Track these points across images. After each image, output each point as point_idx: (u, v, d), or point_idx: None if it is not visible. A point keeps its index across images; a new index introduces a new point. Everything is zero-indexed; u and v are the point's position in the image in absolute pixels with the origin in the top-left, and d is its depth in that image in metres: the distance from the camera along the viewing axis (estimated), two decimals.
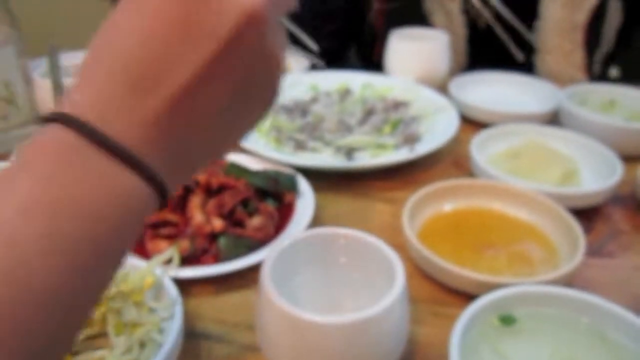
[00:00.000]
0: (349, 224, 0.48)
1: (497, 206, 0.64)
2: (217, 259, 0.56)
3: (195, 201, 0.59)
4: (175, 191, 0.29)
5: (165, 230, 0.57)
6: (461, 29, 1.14)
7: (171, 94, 0.26)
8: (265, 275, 0.40)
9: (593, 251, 0.60)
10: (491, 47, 1.13)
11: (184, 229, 0.57)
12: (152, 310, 0.46)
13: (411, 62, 0.98)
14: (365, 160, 0.75)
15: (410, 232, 0.56)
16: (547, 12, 1.07)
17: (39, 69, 0.84)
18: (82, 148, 0.24)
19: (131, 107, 0.25)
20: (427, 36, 1.02)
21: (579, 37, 1.07)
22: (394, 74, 1.00)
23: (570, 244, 0.56)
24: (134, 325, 0.44)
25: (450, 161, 0.80)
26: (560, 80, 1.05)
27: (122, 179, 0.25)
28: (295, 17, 1.18)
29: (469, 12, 1.10)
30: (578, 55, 1.08)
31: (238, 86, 0.28)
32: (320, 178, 0.72)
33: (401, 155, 0.75)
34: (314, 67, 1.09)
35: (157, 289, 0.48)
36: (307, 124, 0.83)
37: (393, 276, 0.41)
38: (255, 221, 0.59)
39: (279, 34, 0.30)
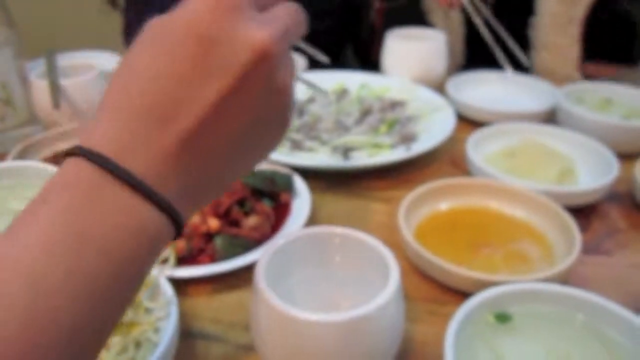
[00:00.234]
0: (345, 224, 0.48)
1: (494, 205, 0.64)
2: (213, 258, 0.56)
3: None
4: (189, 220, 0.30)
5: None
6: (459, 28, 1.14)
7: (186, 129, 0.27)
8: (260, 274, 0.40)
9: (590, 249, 0.60)
10: (488, 47, 1.13)
11: None
12: (148, 310, 0.46)
13: (408, 62, 0.98)
14: (362, 159, 0.75)
15: (406, 231, 0.56)
16: (544, 8, 1.07)
17: (36, 70, 0.84)
18: (103, 183, 0.25)
19: (149, 142, 0.26)
20: (424, 36, 1.03)
21: (575, 32, 1.07)
22: (391, 74, 1.00)
23: (567, 242, 0.56)
24: (130, 325, 0.44)
25: (447, 160, 0.80)
26: (556, 76, 1.05)
27: (142, 213, 0.26)
28: None
29: (465, 10, 1.10)
30: (575, 51, 1.08)
31: (250, 120, 0.29)
32: (317, 177, 0.72)
33: (398, 154, 0.75)
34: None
35: (153, 288, 0.48)
36: (304, 124, 0.83)
37: (388, 274, 0.41)
38: (252, 221, 0.59)
39: (289, 65, 0.31)
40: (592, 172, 0.71)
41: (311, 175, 0.71)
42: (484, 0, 1.09)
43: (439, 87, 0.96)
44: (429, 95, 0.91)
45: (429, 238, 0.58)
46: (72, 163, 0.26)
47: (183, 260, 0.55)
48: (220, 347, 0.48)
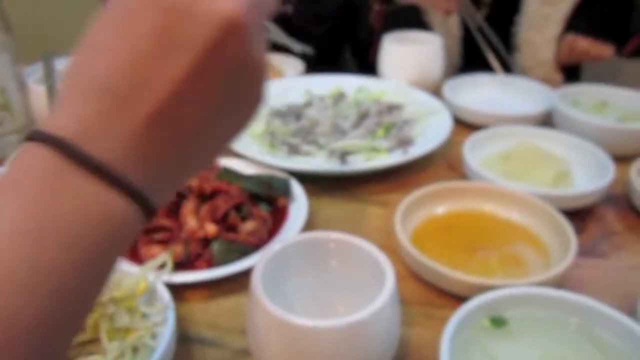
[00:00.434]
0: (342, 228, 0.48)
1: (490, 208, 0.64)
2: (211, 263, 0.56)
3: (188, 206, 0.59)
4: (164, 203, 0.29)
5: (158, 236, 0.58)
6: (456, 29, 1.14)
7: (153, 109, 0.25)
8: (256, 280, 0.41)
9: (586, 252, 0.61)
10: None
11: (177, 234, 0.57)
12: (145, 316, 0.46)
13: (405, 65, 0.99)
14: (359, 163, 0.75)
15: (402, 235, 0.56)
16: (527, 7, 1.08)
17: (34, 75, 0.84)
18: (63, 169, 0.24)
19: (113, 124, 0.25)
20: (420, 39, 1.03)
21: (552, 32, 1.08)
22: (387, 77, 1.01)
23: (562, 245, 0.56)
24: (127, 330, 0.44)
25: (443, 164, 0.80)
26: (535, 76, 1.06)
27: (106, 199, 0.25)
28: (288, 20, 1.19)
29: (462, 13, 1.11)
30: (550, 51, 1.09)
31: (221, 96, 0.28)
32: (314, 182, 0.72)
33: (395, 158, 0.75)
34: (305, 59, 1.09)
35: (150, 294, 0.49)
36: (301, 128, 0.83)
37: (383, 279, 0.41)
38: (249, 226, 0.59)
39: (261, 39, 0.29)
40: (588, 174, 0.71)
41: (308, 179, 0.71)
42: (479, 2, 1.10)
43: (436, 91, 0.96)
44: (425, 99, 0.92)
45: (425, 242, 0.59)
46: (30, 149, 0.25)
47: (180, 265, 0.55)
48: (217, 352, 0.49)
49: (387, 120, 0.85)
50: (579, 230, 0.62)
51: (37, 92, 0.78)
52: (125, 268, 0.50)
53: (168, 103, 0.26)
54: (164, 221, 0.59)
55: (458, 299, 0.51)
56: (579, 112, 0.84)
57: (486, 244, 0.59)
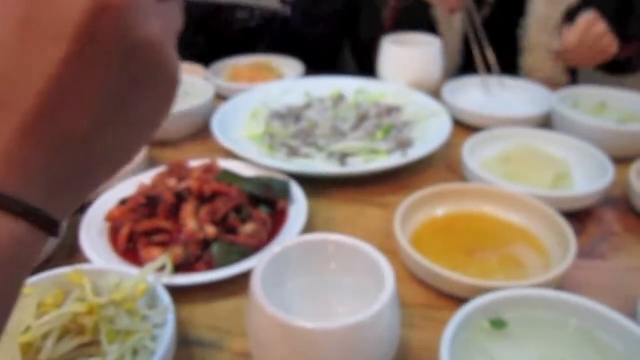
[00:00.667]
0: (342, 229, 0.49)
1: (489, 210, 0.64)
2: (210, 266, 0.56)
3: (188, 208, 0.59)
4: (69, 216, 0.26)
5: (158, 238, 0.58)
6: (458, 27, 1.15)
7: (29, 113, 0.22)
8: (256, 282, 0.41)
9: (585, 253, 0.61)
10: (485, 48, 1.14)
11: (177, 236, 0.57)
12: (145, 318, 0.46)
13: (404, 67, 0.99)
14: (359, 165, 0.76)
15: (402, 237, 0.56)
16: (533, 9, 1.08)
17: None
18: None
19: None
20: (420, 41, 1.03)
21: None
22: (387, 80, 1.01)
23: (562, 246, 0.56)
24: (127, 333, 0.44)
25: (443, 166, 0.80)
26: (543, 79, 1.06)
27: None
28: (287, 21, 1.19)
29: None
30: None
31: (112, 87, 0.24)
32: (314, 184, 0.72)
33: (394, 160, 0.75)
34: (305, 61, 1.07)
35: (150, 296, 0.49)
36: (301, 130, 0.84)
37: (383, 281, 0.41)
38: (249, 228, 0.59)
39: (158, 13, 0.25)
40: (588, 176, 0.72)
41: (308, 181, 0.71)
42: (482, 1, 1.10)
43: (435, 92, 0.97)
44: (425, 101, 0.92)
45: (425, 243, 0.59)
46: None
47: (180, 267, 0.55)
48: (217, 354, 0.49)
49: (386, 122, 0.86)
50: (578, 232, 0.62)
51: None
52: (125, 270, 0.50)
53: (46, 103, 0.22)
54: (163, 223, 0.59)
55: (458, 300, 0.51)
56: (579, 114, 0.84)
57: (486, 245, 0.59)
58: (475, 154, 0.75)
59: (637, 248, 0.63)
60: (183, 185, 0.62)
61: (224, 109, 0.88)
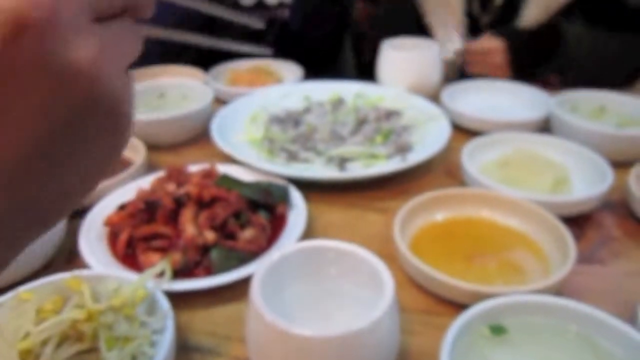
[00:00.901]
0: (341, 235, 0.49)
1: (489, 215, 0.64)
2: (209, 271, 0.56)
3: (187, 214, 0.59)
4: (14, 257, 0.23)
5: (157, 243, 0.58)
6: (460, 17, 1.16)
7: None
8: (255, 289, 0.41)
9: (584, 258, 0.61)
10: None
11: (176, 241, 0.57)
12: (143, 324, 0.46)
13: (403, 72, 0.99)
14: (358, 170, 0.76)
15: (401, 242, 0.56)
16: (525, 13, 1.09)
17: None
18: None
19: None
20: (418, 45, 1.03)
21: None
22: (386, 84, 1.01)
23: (561, 251, 0.56)
24: (126, 339, 0.44)
25: (442, 170, 0.80)
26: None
27: None
28: (285, 23, 1.19)
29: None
30: None
31: (34, 125, 0.20)
32: (313, 188, 0.72)
33: (393, 165, 0.75)
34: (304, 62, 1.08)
35: (149, 302, 0.48)
36: (300, 135, 0.84)
37: (382, 287, 0.41)
38: (248, 233, 0.59)
39: (94, 38, 0.21)
40: (587, 181, 0.72)
41: (307, 186, 0.71)
42: (486, 7, 1.11)
43: (434, 97, 0.97)
44: (424, 105, 0.92)
45: (425, 249, 0.59)
46: None
47: (179, 273, 0.55)
48: None
49: (385, 126, 0.86)
50: (577, 237, 0.62)
51: None
52: (124, 276, 0.50)
53: None
54: (162, 229, 0.59)
55: (457, 306, 0.51)
56: (577, 118, 0.84)
57: (485, 250, 0.59)
58: (475, 159, 0.75)
59: (636, 253, 0.63)
60: (182, 190, 0.62)
61: (223, 113, 0.88)
